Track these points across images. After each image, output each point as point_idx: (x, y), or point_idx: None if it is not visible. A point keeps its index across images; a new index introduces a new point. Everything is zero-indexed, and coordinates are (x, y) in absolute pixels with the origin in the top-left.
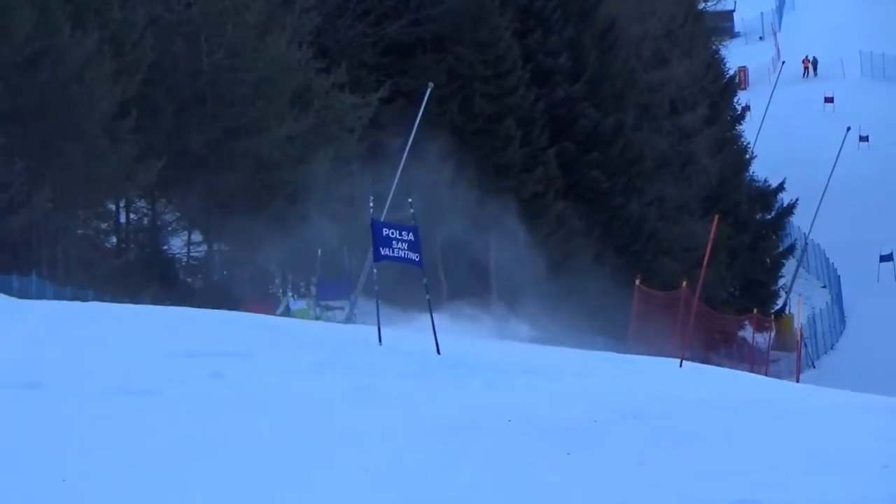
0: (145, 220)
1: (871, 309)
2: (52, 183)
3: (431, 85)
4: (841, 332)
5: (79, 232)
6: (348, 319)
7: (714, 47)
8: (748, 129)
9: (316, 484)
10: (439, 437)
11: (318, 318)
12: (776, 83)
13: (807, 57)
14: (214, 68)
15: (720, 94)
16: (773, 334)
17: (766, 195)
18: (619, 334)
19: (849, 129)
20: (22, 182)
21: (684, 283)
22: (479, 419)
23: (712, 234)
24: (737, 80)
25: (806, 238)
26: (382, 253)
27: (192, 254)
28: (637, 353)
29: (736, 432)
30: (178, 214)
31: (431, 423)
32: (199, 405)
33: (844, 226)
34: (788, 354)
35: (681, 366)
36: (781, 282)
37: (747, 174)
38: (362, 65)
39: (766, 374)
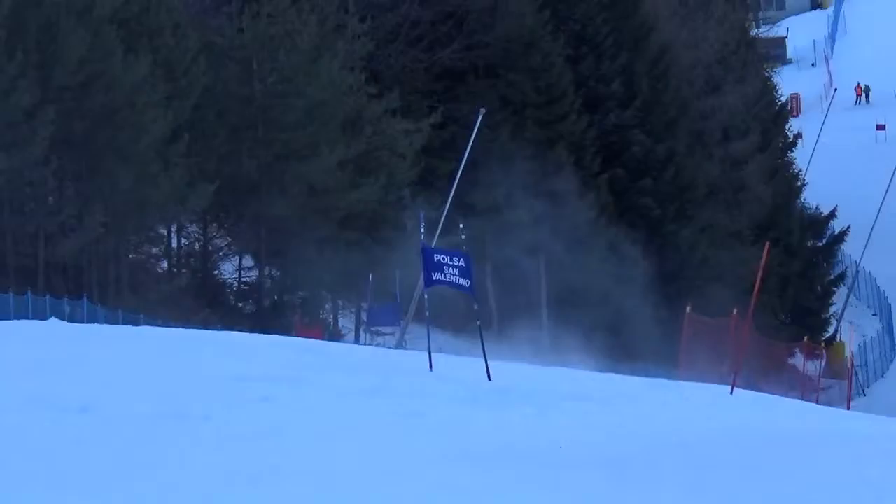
0: (197, 245)
1: None
2: (103, 207)
3: (483, 111)
4: (891, 360)
5: (130, 256)
6: (399, 345)
7: (766, 74)
8: (800, 157)
9: None
10: (490, 464)
11: None
12: (828, 110)
13: (859, 84)
14: (266, 93)
15: (772, 121)
16: (823, 362)
17: (818, 223)
18: (670, 361)
19: None
20: (74, 206)
21: (735, 311)
22: (530, 446)
23: (763, 262)
24: (789, 107)
25: (857, 266)
26: (434, 278)
27: (242, 278)
28: (688, 380)
29: (788, 461)
30: (229, 239)
31: (482, 449)
32: (249, 430)
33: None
34: (839, 382)
35: (731, 393)
36: (832, 309)
37: (799, 201)
38: (414, 90)
39: (816, 402)
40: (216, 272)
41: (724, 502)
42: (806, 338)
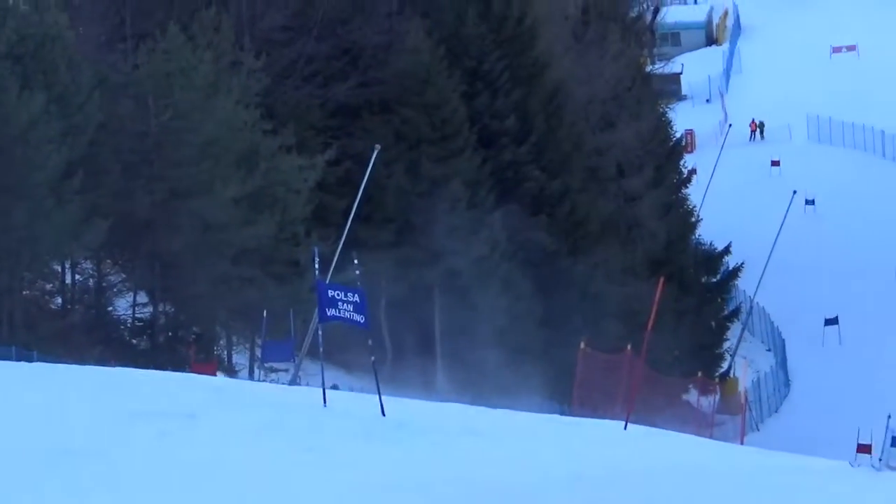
0: (91, 281)
1: (816, 372)
2: None
3: (378, 147)
4: (785, 396)
5: (24, 292)
6: (293, 381)
7: (661, 110)
8: (694, 192)
9: None
10: (384, 499)
11: None
12: (723, 146)
13: (753, 120)
14: (161, 129)
15: (666, 156)
16: (717, 397)
17: (712, 258)
18: (563, 397)
19: (795, 192)
20: None
21: (629, 346)
22: (424, 481)
23: (657, 297)
24: (683, 143)
25: (751, 301)
26: (328, 314)
27: (137, 315)
28: (582, 416)
29: (679, 494)
30: (123, 275)
31: (376, 484)
32: (144, 466)
33: (790, 289)
34: (733, 417)
35: (625, 428)
36: (726, 345)
37: (693, 237)
38: (309, 126)
39: (710, 437)
40: (110, 308)
41: None
42: (700, 373)
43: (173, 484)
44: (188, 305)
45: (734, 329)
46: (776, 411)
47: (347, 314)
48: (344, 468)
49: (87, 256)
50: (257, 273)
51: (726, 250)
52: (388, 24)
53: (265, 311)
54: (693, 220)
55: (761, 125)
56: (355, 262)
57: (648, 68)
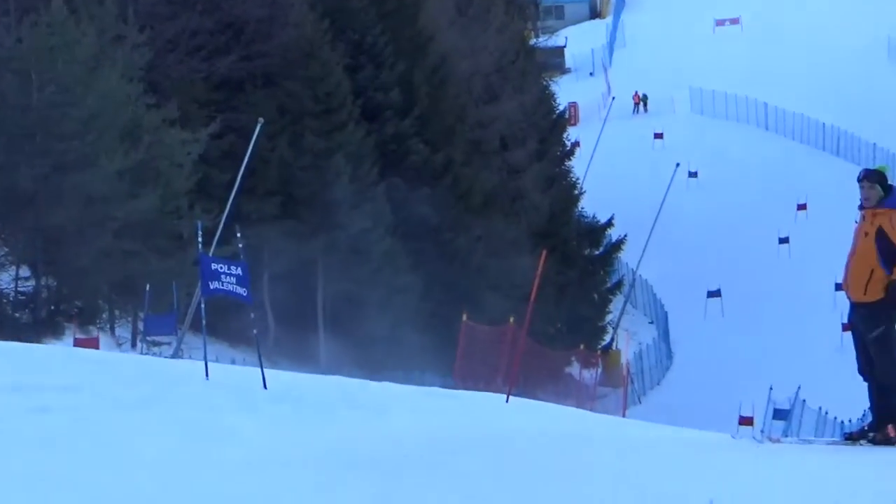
0: None
1: (698, 345)
2: None
3: (262, 121)
4: (667, 368)
5: None
6: (176, 354)
7: (545, 83)
8: (578, 165)
9: None
10: (266, 471)
11: None
12: (606, 119)
13: (637, 93)
14: (45, 104)
15: (550, 129)
16: (599, 370)
17: (595, 231)
18: (446, 370)
19: (678, 164)
20: None
21: (511, 319)
22: (306, 453)
23: (539, 270)
24: (567, 116)
25: (634, 274)
26: (211, 287)
27: (20, 288)
28: (464, 389)
29: (561, 466)
30: (6, 249)
31: (258, 457)
32: (23, 440)
33: (672, 262)
34: (615, 390)
35: (507, 401)
36: (609, 318)
37: (576, 210)
38: (193, 100)
39: (592, 410)
40: None
41: (496, 502)
42: (582, 346)
43: (53, 457)
44: (71, 279)
45: (617, 302)
46: (658, 384)
47: (230, 287)
48: (225, 441)
49: None
50: (140, 246)
51: (609, 223)
52: None
53: (148, 285)
54: (576, 192)
55: (644, 98)
56: (238, 235)
57: (532, 41)
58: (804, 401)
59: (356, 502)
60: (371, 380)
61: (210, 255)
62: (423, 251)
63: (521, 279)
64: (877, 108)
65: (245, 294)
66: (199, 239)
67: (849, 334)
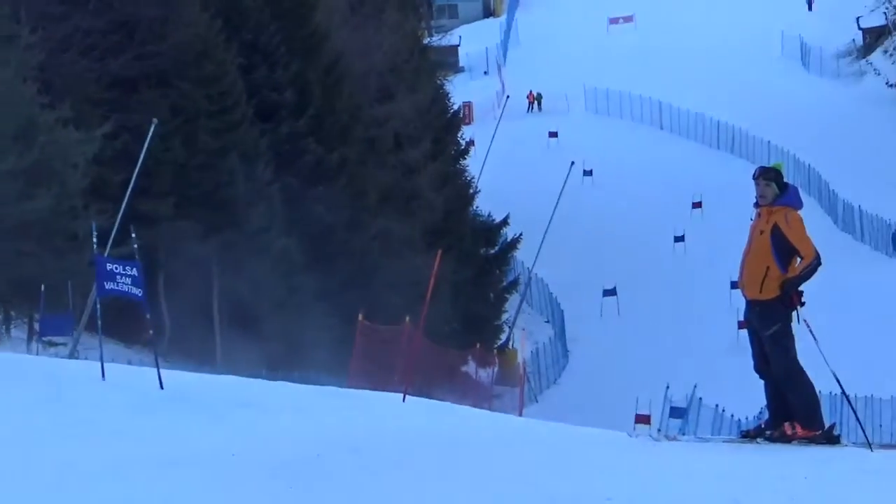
0: None
1: (594, 343)
2: None
3: (155, 121)
4: (564, 367)
5: None
6: (71, 355)
7: (439, 82)
8: (473, 164)
9: None
10: (161, 471)
11: None
12: (500, 118)
13: (531, 91)
14: None
15: (445, 128)
16: (496, 369)
17: (491, 230)
18: (342, 369)
19: (573, 163)
20: None
21: (407, 318)
22: (202, 453)
23: (435, 269)
24: (461, 115)
25: (529, 273)
26: (106, 287)
27: None
28: (360, 388)
29: (458, 465)
30: None
31: (154, 456)
32: None
33: (568, 260)
34: (512, 389)
35: (404, 400)
36: (505, 316)
37: (471, 209)
38: (87, 100)
39: (489, 409)
40: None
41: (392, 501)
42: (479, 345)
43: None
44: None
45: (513, 300)
46: (555, 382)
47: (126, 288)
48: (121, 440)
49: None
50: (35, 247)
51: (504, 222)
52: None
53: (43, 286)
54: (471, 191)
55: (539, 97)
56: (133, 235)
57: (426, 40)
58: (700, 399)
59: (253, 500)
60: (267, 379)
61: (105, 255)
62: (319, 251)
63: (417, 278)
64: (771, 105)
65: (140, 294)
66: (94, 239)
67: (744, 332)
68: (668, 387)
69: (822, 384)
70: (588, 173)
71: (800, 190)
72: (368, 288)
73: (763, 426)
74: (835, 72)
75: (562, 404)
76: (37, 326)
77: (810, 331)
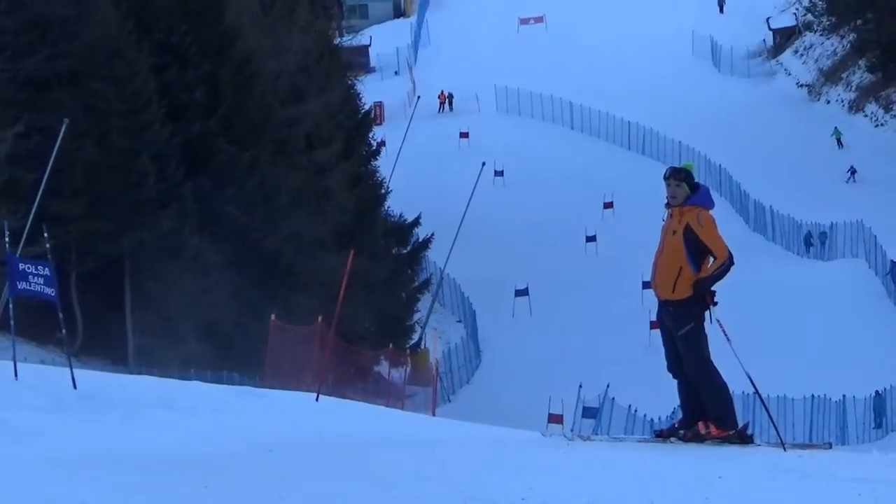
0: None
1: (507, 343)
2: None
3: (67, 121)
4: (477, 367)
5: None
6: None
7: (350, 82)
8: (384, 164)
9: None
10: (75, 470)
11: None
12: (412, 118)
13: (442, 92)
14: None
15: (356, 129)
16: (408, 369)
17: (402, 230)
18: (255, 369)
19: (484, 164)
20: None
21: (320, 318)
22: (116, 452)
23: (347, 269)
24: (372, 115)
25: (441, 273)
26: (19, 287)
27: None
28: (274, 388)
29: (371, 465)
30: None
31: (67, 456)
32: None
33: (480, 260)
34: (424, 389)
35: (317, 400)
36: (417, 316)
37: (383, 209)
38: None
39: (402, 409)
40: None
41: (306, 501)
42: (391, 345)
43: None
44: None
45: (425, 300)
46: (468, 382)
47: (38, 287)
48: (34, 441)
49: None
50: None
51: (416, 222)
52: None
53: None
54: (383, 191)
55: (450, 97)
56: (45, 235)
57: (336, 41)
58: (613, 399)
59: (163, 501)
60: (180, 379)
61: (17, 255)
62: (232, 251)
63: (330, 278)
64: (682, 105)
65: (53, 294)
66: (7, 239)
67: (657, 332)
68: (580, 386)
69: (736, 384)
70: (499, 174)
71: (711, 190)
72: (281, 288)
73: (677, 426)
74: (745, 72)
75: (475, 404)
76: None
77: (723, 331)
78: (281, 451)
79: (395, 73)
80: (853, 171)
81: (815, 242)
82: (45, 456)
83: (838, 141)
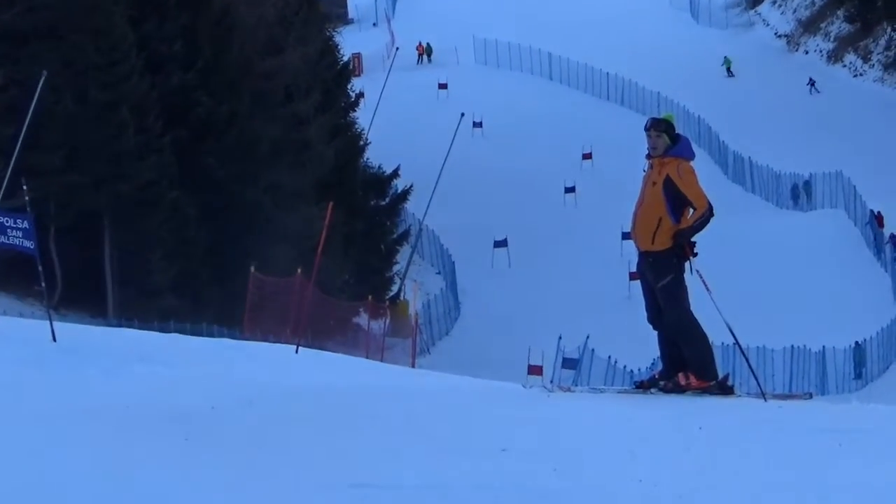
0: None
1: (486, 295)
2: None
3: (45, 73)
4: (456, 318)
5: None
6: None
7: (328, 34)
8: (363, 116)
9: None
10: (55, 424)
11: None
12: (390, 69)
13: (421, 43)
14: None
15: (334, 80)
16: (387, 321)
17: (381, 181)
18: (235, 321)
19: (462, 114)
20: None
21: (299, 270)
22: (97, 406)
23: (327, 221)
24: (351, 67)
25: (420, 224)
26: None
27: None
28: (253, 340)
29: (351, 416)
30: None
31: (47, 409)
32: None
33: (459, 212)
34: (404, 340)
35: (297, 352)
36: (396, 268)
37: (362, 161)
38: None
39: (381, 360)
40: None
41: (289, 457)
42: (370, 297)
43: None
44: None
45: (404, 252)
46: (447, 334)
47: (17, 241)
48: (15, 395)
49: None
50: None
51: (395, 173)
52: None
53: None
54: (361, 143)
55: (429, 48)
56: (24, 188)
57: None
58: (593, 350)
59: (144, 454)
60: (160, 332)
61: None
62: (211, 203)
63: (309, 230)
64: (660, 57)
65: (32, 247)
66: None
67: (637, 283)
68: (560, 338)
69: (716, 335)
70: (478, 125)
71: (691, 141)
72: (261, 240)
73: (657, 377)
74: (724, 22)
75: (454, 356)
76: None
77: (703, 282)
78: (261, 403)
79: (374, 24)
80: (812, 83)
81: (801, 194)
82: (24, 410)
83: (728, 70)
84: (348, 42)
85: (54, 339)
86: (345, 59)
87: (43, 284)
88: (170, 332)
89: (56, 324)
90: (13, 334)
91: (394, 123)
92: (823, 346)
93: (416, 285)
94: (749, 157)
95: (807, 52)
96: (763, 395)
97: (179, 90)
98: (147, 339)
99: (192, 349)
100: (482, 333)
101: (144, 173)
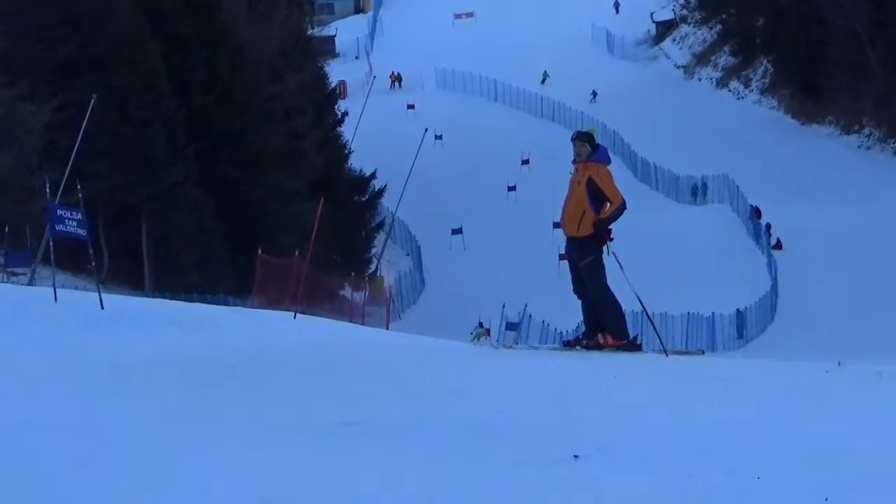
0: None
1: (445, 272)
2: None
3: (95, 96)
4: (421, 291)
5: None
6: (30, 283)
7: (319, 65)
8: (347, 130)
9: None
10: (104, 374)
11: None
12: (369, 93)
13: (393, 72)
14: None
15: (324, 102)
16: (367, 292)
17: (362, 182)
18: (246, 294)
19: (426, 129)
20: None
21: (297, 253)
22: (137, 360)
23: (318, 214)
24: (338, 92)
25: (393, 216)
26: (57, 229)
27: None
28: (261, 308)
29: (339, 368)
30: None
31: (97, 363)
32: None
33: (424, 206)
34: (380, 309)
35: (294, 318)
36: (374, 251)
37: (346, 166)
38: (40, 80)
39: (362, 324)
40: None
41: (287, 401)
42: (353, 273)
43: None
44: None
45: (380, 238)
46: (414, 303)
47: (73, 229)
48: (69, 352)
49: None
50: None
51: (373, 175)
52: None
53: (6, 227)
54: (346, 152)
55: (399, 77)
56: (78, 187)
57: (309, 32)
58: (531, 315)
59: (173, 398)
60: (188, 301)
61: (56, 203)
62: (226, 200)
63: (305, 221)
64: (584, 83)
65: (84, 234)
66: (48, 190)
67: (564, 263)
68: (504, 306)
69: (627, 303)
70: (439, 137)
71: (608, 150)
72: (266, 229)
73: (581, 337)
74: (634, 56)
75: (420, 321)
76: (2, 260)
77: (617, 261)
78: (265, 358)
79: (356, 57)
80: (594, 94)
81: (699, 192)
82: (79, 364)
83: (543, 81)
84: (335, 71)
85: (102, 307)
86: (332, 85)
87: (93, 263)
88: (194, 301)
89: (104, 295)
90: (70, 303)
91: (372, 136)
92: (713, 313)
93: (389, 264)
94: (654, 162)
95: (700, 80)
96: (665, 352)
97: (201, 110)
98: (176, 308)
99: (211, 316)
100: (442, 302)
101: (172, 176)
